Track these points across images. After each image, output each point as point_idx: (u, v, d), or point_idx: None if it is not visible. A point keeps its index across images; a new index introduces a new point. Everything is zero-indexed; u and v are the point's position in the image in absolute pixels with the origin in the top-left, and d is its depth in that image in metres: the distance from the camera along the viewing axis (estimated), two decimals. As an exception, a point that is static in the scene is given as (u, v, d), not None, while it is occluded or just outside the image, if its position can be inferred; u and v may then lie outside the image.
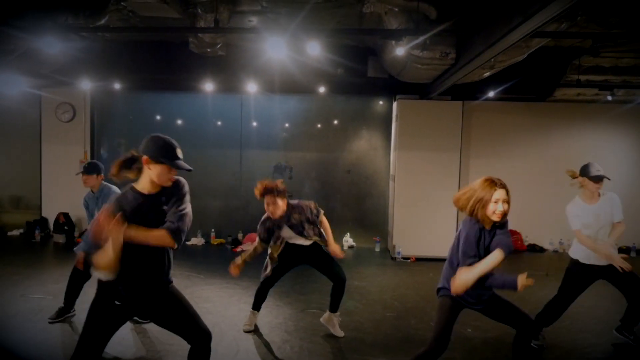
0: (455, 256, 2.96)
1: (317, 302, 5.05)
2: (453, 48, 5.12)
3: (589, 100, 7.62)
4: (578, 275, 3.87)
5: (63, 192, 7.96)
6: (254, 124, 8.20)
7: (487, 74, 5.81)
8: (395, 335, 4.32)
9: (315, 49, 4.54)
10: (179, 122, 8.23)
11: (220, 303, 5.04)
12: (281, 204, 3.87)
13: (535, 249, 8.02)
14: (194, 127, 8.18)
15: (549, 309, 3.99)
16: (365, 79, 7.14)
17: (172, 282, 2.64)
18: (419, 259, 7.20)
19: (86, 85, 7.23)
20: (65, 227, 7.74)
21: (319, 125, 8.24)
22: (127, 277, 2.42)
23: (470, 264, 2.83)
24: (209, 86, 7.13)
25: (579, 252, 3.87)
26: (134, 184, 2.50)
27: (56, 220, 7.78)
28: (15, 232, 8.15)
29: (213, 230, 8.07)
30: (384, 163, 8.13)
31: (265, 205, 3.87)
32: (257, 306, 4.31)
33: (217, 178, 8.21)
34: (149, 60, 7.05)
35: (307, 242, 4.11)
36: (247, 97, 7.99)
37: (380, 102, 8.16)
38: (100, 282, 2.49)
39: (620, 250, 3.80)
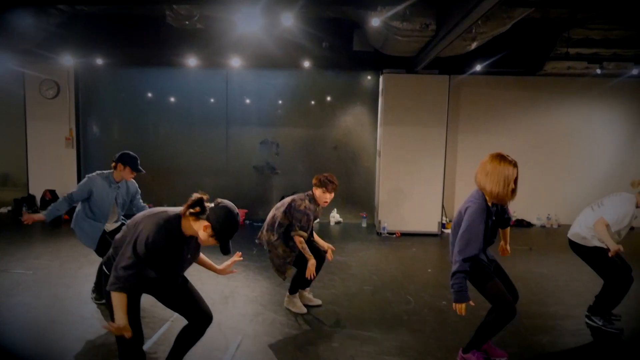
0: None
1: (295, 276, 5.06)
2: (433, 19, 5.01)
3: (579, 74, 7.48)
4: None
5: (49, 169, 7.96)
6: (240, 100, 8.12)
7: (473, 46, 5.68)
8: (369, 308, 4.34)
9: (288, 20, 4.44)
10: (165, 98, 8.15)
11: (197, 277, 5.03)
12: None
13: (522, 224, 8.01)
14: (180, 104, 8.13)
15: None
16: (351, 53, 7.04)
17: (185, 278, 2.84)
18: (404, 234, 7.20)
19: (68, 61, 7.15)
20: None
21: (305, 101, 8.15)
22: (152, 280, 2.56)
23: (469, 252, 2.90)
24: (192, 61, 7.06)
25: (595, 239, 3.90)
26: (182, 218, 2.47)
27: (43, 197, 7.79)
28: (4, 210, 8.18)
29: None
30: (371, 139, 8.06)
31: (325, 196, 4.04)
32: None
33: (205, 155, 8.17)
34: (131, 35, 6.95)
35: None
36: (232, 73, 7.89)
37: (368, 77, 8.04)
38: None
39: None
